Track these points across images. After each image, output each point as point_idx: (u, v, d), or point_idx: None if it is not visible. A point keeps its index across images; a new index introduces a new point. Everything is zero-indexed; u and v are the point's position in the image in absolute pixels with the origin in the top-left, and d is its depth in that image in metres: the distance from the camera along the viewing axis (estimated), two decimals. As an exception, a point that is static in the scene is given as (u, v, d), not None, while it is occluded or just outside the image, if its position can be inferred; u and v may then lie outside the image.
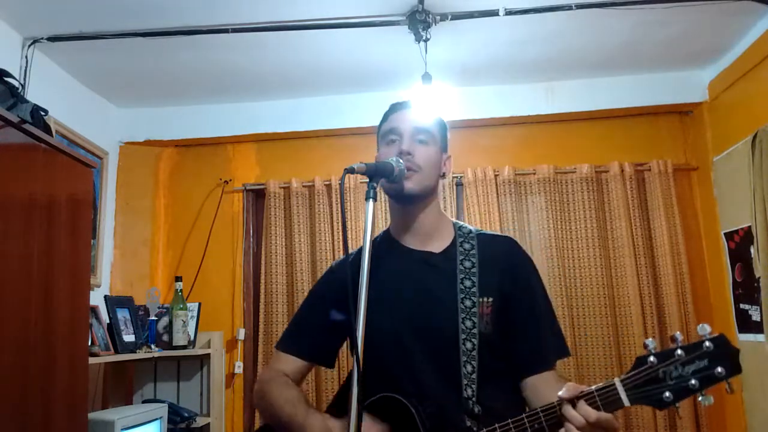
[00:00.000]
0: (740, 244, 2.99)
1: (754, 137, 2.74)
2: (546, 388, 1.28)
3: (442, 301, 1.31)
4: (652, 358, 1.02)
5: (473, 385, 1.26)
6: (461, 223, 1.44)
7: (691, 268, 3.31)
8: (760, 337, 2.78)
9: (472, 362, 1.27)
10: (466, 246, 1.37)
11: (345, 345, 1.50)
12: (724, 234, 3.15)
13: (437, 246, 1.38)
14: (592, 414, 1.04)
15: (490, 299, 1.31)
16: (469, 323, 1.29)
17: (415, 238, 1.39)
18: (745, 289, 2.95)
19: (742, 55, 2.98)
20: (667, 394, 1.01)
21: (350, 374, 1.43)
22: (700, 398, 1.00)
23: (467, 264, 1.34)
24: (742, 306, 3.00)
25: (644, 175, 3.43)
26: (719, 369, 0.98)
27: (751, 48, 2.89)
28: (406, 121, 1.37)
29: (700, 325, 1.02)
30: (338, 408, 1.39)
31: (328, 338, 1.44)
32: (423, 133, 1.36)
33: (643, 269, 3.30)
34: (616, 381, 1.05)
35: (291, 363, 1.42)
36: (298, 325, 1.49)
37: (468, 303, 1.30)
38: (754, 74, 2.89)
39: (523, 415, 1.12)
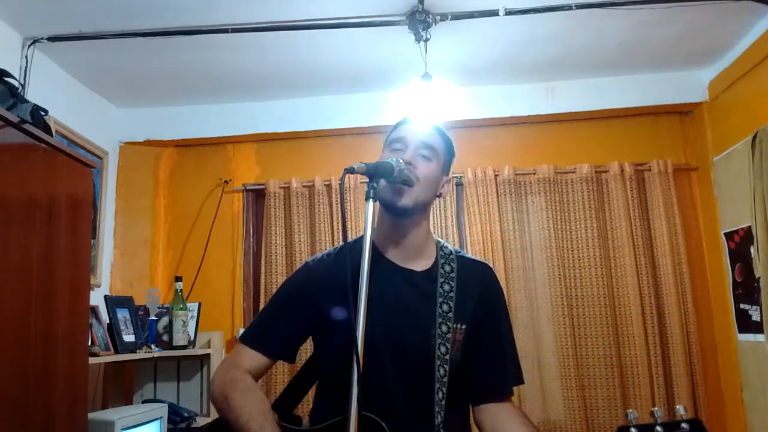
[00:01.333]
0: (740, 244, 2.99)
1: (754, 137, 2.74)
2: (504, 416, 1.32)
3: (421, 323, 1.31)
4: (633, 430, 1.08)
5: (442, 412, 1.26)
6: (443, 242, 1.44)
7: (691, 268, 3.31)
8: (760, 337, 2.78)
9: (443, 389, 1.27)
10: (447, 268, 1.37)
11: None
12: (724, 234, 3.15)
13: (420, 265, 1.37)
14: None
15: (464, 326, 1.32)
16: (443, 349, 1.29)
17: (399, 253, 1.37)
18: (745, 289, 2.95)
19: (742, 55, 2.98)
20: None
21: (298, 375, 1.44)
22: None
23: (446, 287, 1.34)
24: (742, 306, 3.00)
25: (644, 175, 3.43)
26: None
27: (751, 48, 2.89)
28: (414, 134, 1.36)
29: (678, 406, 1.11)
30: (286, 407, 1.41)
31: (295, 336, 1.42)
32: (428, 149, 1.35)
33: (643, 269, 3.30)
34: None
35: (255, 359, 1.38)
36: (268, 321, 1.44)
37: (444, 328, 1.30)
38: (754, 74, 2.89)
39: None
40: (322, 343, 1.41)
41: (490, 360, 1.36)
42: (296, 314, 1.40)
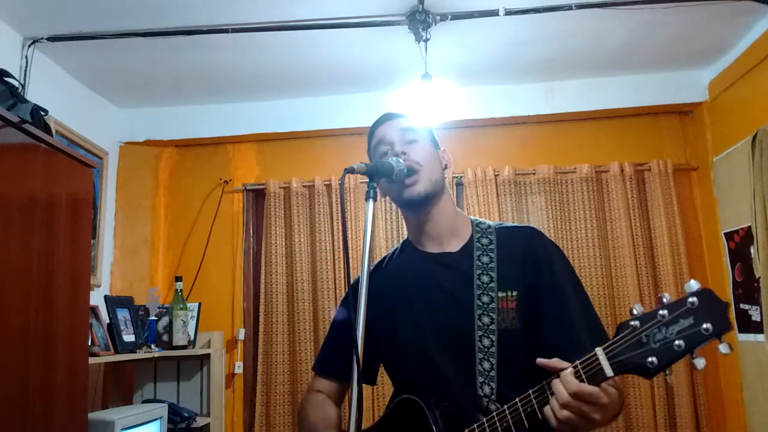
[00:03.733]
0: (740, 244, 2.99)
1: (754, 137, 2.74)
2: None
3: (458, 299, 1.30)
4: (634, 322, 0.95)
5: (492, 383, 1.23)
6: (480, 219, 1.43)
7: (691, 268, 3.31)
8: (760, 337, 2.78)
9: (491, 359, 1.24)
10: (484, 241, 1.35)
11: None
12: (724, 234, 3.15)
13: (455, 245, 1.37)
14: (573, 384, 0.98)
15: (514, 293, 1.28)
16: (486, 319, 1.26)
17: (432, 241, 1.39)
18: (745, 289, 2.95)
19: (742, 55, 2.98)
20: (652, 358, 0.93)
21: (392, 399, 1.41)
22: (692, 360, 0.92)
23: (485, 259, 1.32)
24: (742, 306, 3.00)
25: (644, 175, 3.43)
26: (705, 325, 0.89)
27: (751, 48, 2.90)
28: (391, 129, 1.39)
29: (690, 281, 0.93)
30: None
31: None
32: (410, 133, 1.37)
33: (643, 269, 3.30)
34: (598, 350, 0.98)
35: (326, 384, 1.45)
36: (328, 346, 1.51)
37: (485, 299, 1.28)
38: (754, 74, 2.89)
39: (517, 399, 1.10)
40: (382, 352, 1.42)
41: (555, 324, 1.26)
42: (347, 334, 1.41)
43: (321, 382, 1.46)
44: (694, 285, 0.93)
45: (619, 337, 0.96)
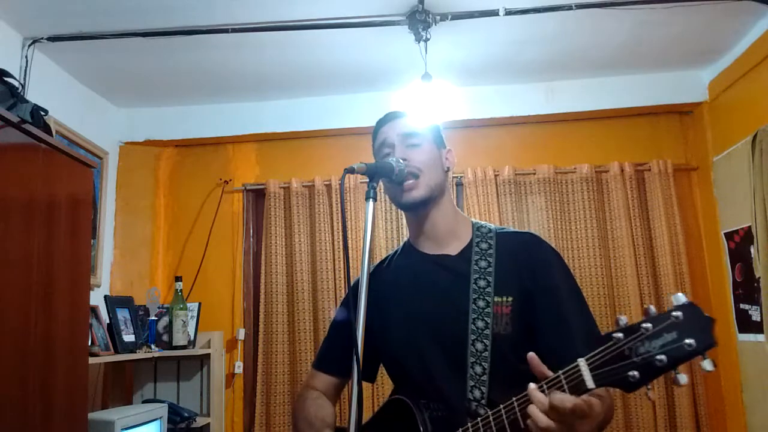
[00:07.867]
0: (740, 244, 2.99)
1: (754, 137, 2.74)
2: None
3: (454, 302, 1.30)
4: (617, 334, 0.90)
5: (483, 387, 1.24)
6: (482, 222, 1.42)
7: (691, 268, 3.31)
8: (760, 337, 2.78)
9: (483, 363, 1.25)
10: (483, 246, 1.35)
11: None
12: (724, 234, 3.15)
13: (454, 248, 1.37)
14: (543, 399, 0.97)
15: (510, 298, 1.28)
16: (481, 324, 1.26)
17: (431, 242, 1.39)
18: (745, 289, 2.95)
19: (742, 55, 2.98)
20: (633, 372, 0.88)
21: (389, 398, 1.41)
22: (675, 376, 0.87)
23: (483, 264, 1.32)
24: (742, 306, 3.00)
25: (644, 175, 3.43)
26: (689, 341, 0.85)
27: (751, 48, 2.90)
28: (393, 131, 1.37)
29: (677, 294, 0.89)
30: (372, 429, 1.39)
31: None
32: (412, 137, 1.36)
33: (643, 269, 3.30)
34: (581, 361, 0.95)
35: (323, 380, 1.47)
36: (329, 343, 1.52)
37: (481, 303, 1.28)
38: (754, 74, 2.89)
39: (501, 406, 1.10)
40: (379, 352, 1.42)
41: (550, 331, 1.25)
42: (347, 332, 1.41)
43: (319, 378, 1.48)
44: (681, 298, 0.89)
45: (602, 348, 0.93)
